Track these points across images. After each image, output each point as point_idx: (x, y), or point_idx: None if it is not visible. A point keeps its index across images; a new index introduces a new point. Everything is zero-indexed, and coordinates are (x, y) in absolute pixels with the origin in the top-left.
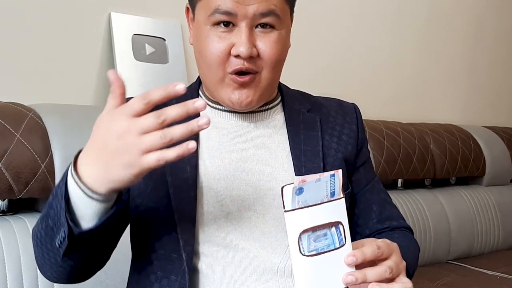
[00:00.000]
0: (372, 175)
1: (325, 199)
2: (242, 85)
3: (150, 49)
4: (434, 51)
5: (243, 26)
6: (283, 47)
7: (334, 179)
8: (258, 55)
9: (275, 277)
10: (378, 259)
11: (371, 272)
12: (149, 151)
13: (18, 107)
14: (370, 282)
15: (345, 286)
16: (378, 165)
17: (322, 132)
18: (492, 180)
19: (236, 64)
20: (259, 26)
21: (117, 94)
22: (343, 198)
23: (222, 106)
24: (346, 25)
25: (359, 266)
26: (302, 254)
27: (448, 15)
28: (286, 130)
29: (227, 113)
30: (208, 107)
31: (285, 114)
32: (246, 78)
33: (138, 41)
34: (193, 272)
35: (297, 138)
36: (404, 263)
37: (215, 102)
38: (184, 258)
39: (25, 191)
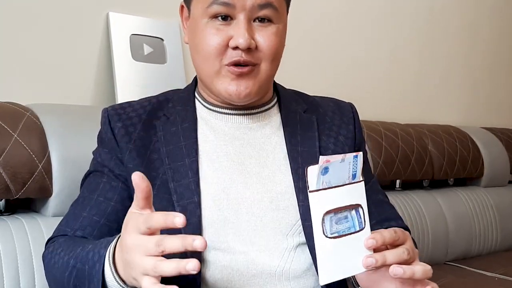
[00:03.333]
0: (370, 176)
1: (347, 180)
2: (240, 76)
3: (148, 49)
4: (433, 53)
5: (241, 18)
6: (281, 41)
7: (356, 161)
8: (257, 47)
9: (273, 281)
10: (394, 244)
11: (390, 254)
12: (146, 274)
13: (15, 107)
14: (389, 264)
15: (365, 269)
16: (376, 166)
17: (319, 132)
18: (490, 181)
19: (234, 56)
20: (257, 20)
21: (140, 198)
22: (363, 182)
23: (219, 108)
24: (344, 26)
25: (376, 251)
26: (325, 236)
27: (446, 16)
28: (283, 131)
29: (224, 115)
30: (205, 109)
31: (281, 115)
32: (244, 69)
33: (136, 41)
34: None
35: (294, 139)
36: (416, 250)
37: (212, 104)
38: None
39: (22, 191)
